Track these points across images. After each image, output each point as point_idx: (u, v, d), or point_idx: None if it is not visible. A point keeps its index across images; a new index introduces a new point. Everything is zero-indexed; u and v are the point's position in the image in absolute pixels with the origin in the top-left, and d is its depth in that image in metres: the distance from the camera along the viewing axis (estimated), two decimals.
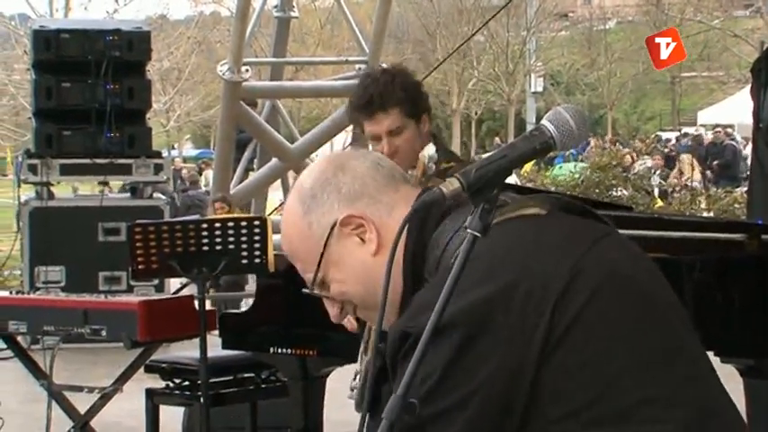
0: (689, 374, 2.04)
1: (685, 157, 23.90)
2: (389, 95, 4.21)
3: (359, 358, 4.07)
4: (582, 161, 23.03)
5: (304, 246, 2.19)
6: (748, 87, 13.95)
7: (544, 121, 2.06)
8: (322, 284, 2.20)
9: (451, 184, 1.98)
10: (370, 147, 4.25)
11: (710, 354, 4.73)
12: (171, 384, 5.79)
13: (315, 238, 2.17)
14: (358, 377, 4.09)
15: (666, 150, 28.30)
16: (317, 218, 2.17)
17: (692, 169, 23.01)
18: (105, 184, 10.77)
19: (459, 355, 1.93)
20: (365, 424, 1.99)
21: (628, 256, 2.15)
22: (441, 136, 4.32)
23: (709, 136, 27.89)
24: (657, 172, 22.67)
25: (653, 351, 2.01)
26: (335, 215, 2.15)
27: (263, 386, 5.83)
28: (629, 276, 2.08)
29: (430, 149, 4.08)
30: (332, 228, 2.15)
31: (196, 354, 5.26)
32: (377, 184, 2.18)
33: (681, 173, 22.99)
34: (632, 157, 23.85)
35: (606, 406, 1.94)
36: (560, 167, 23.51)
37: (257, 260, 5.18)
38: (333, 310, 2.23)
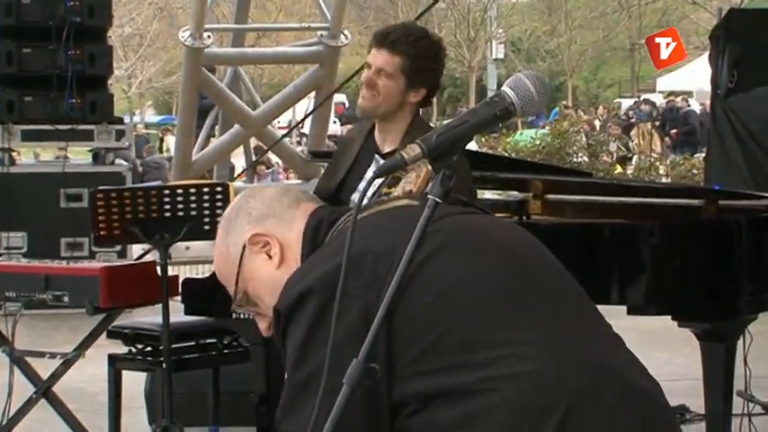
0: (548, 316, 2.12)
1: (643, 126, 23.98)
2: (403, 43, 4.23)
3: None
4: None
5: (225, 266, 2.42)
6: (706, 54, 13.99)
7: (504, 88, 2.07)
8: (248, 301, 2.41)
9: (412, 150, 1.99)
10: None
11: (668, 318, 4.79)
12: (133, 350, 5.77)
13: (231, 259, 2.40)
14: None
15: (625, 118, 28.40)
16: (233, 240, 2.40)
17: (650, 137, 23.07)
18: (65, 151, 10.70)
19: (318, 319, 2.10)
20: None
21: (491, 221, 2.33)
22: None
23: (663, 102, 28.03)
24: (616, 140, 22.74)
25: (503, 292, 2.12)
26: (245, 235, 2.38)
27: (225, 352, 5.82)
28: (483, 231, 2.24)
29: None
30: (243, 247, 2.37)
31: (158, 319, 5.25)
32: (281, 205, 2.39)
33: (640, 142, 23.07)
34: (591, 125, 23.92)
35: (451, 339, 2.06)
36: (521, 134, 23.52)
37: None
38: (262, 325, 2.43)
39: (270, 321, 2.37)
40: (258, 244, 2.36)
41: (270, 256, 2.35)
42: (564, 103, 29.21)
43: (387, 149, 4.32)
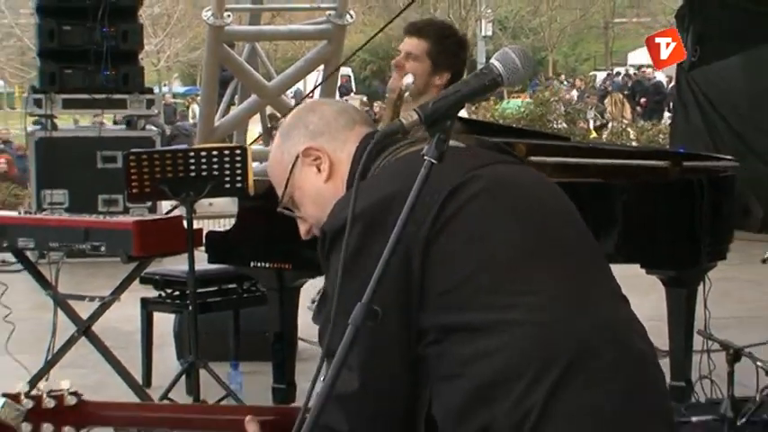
0: (566, 272, 2.09)
1: (615, 95, 23.86)
2: (428, 30, 4.21)
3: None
4: None
5: (277, 170, 2.36)
6: None
7: (493, 61, 2.05)
8: (293, 204, 2.36)
9: (411, 117, 1.98)
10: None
11: (637, 266, 4.80)
12: (163, 294, 5.80)
13: (284, 165, 2.34)
14: (319, 294, 4.09)
15: (602, 89, 28.30)
16: (288, 148, 2.34)
17: (622, 106, 22.98)
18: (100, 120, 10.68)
19: (362, 243, 2.04)
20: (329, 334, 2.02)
21: (528, 175, 2.26)
22: None
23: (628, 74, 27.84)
24: (592, 108, 22.66)
25: (530, 244, 2.08)
26: (300, 147, 2.32)
27: (244, 296, 5.85)
28: (520, 184, 2.19)
29: (408, 78, 4.09)
30: (296, 157, 2.32)
31: (185, 267, 5.27)
32: (337, 124, 2.33)
33: (612, 109, 22.98)
34: (564, 98, 23.78)
35: (480, 280, 2.03)
36: (508, 102, 23.43)
37: (238, 185, 5.18)
38: (302, 228, 2.39)
39: (309, 227, 2.35)
40: (310, 157, 2.31)
41: (319, 170, 2.30)
42: (550, 75, 29.19)
43: None
